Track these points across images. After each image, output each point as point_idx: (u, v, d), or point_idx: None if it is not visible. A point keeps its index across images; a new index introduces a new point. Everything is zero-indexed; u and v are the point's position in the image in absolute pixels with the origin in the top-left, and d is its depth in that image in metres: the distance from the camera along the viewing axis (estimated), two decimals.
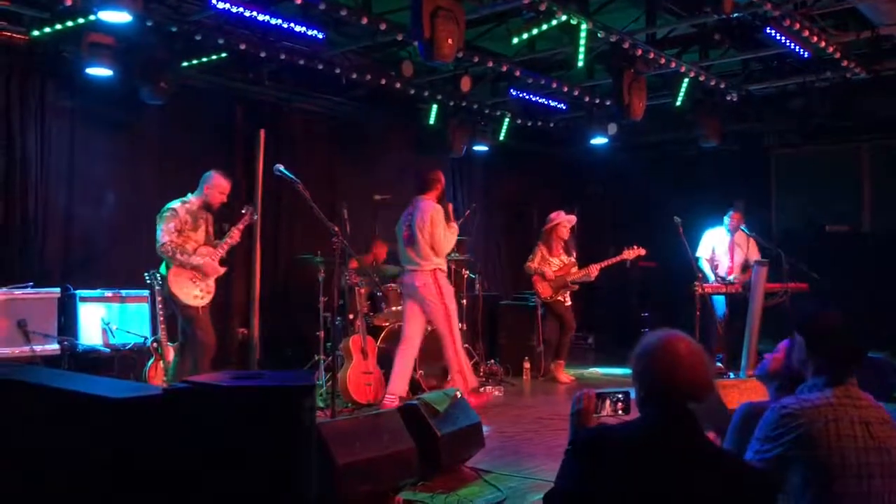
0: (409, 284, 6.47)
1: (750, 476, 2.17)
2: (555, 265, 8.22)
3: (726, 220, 8.38)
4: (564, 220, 8.23)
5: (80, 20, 5.87)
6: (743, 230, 8.24)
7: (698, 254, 8.31)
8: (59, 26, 6.01)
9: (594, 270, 8.17)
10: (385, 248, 7.98)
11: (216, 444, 2.66)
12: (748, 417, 2.68)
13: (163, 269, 5.91)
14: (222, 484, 2.69)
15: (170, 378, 5.99)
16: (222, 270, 6.08)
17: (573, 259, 8.35)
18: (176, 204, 5.94)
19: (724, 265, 8.35)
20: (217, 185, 6.05)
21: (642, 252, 8.07)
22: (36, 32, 6.15)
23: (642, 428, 2.20)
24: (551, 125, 10.07)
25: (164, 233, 5.79)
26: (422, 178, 6.55)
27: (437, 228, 6.30)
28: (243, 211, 6.19)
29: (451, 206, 6.59)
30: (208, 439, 2.63)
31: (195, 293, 5.87)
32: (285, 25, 6.15)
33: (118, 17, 5.36)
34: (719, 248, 8.44)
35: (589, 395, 2.60)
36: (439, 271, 6.39)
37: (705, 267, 8.31)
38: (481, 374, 8.19)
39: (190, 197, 6.04)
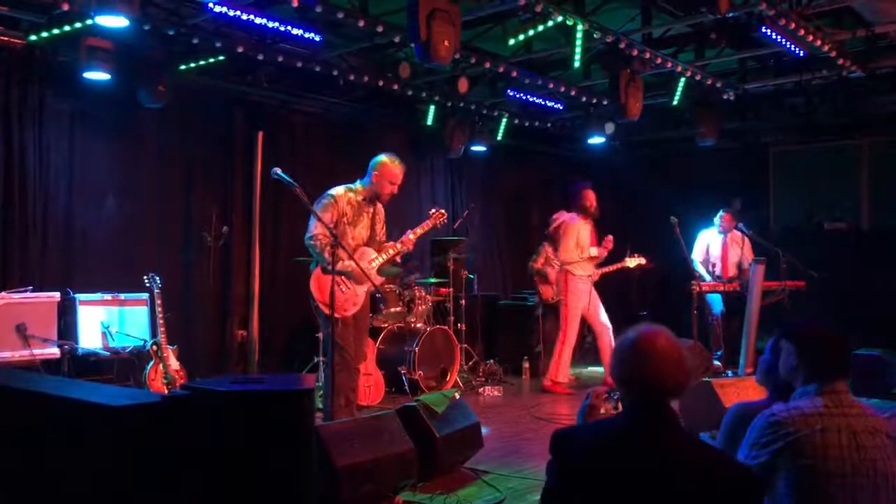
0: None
1: (730, 470, 2.11)
2: (557, 266, 8.21)
3: (717, 221, 8.39)
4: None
5: (78, 24, 5.86)
6: (740, 229, 8.22)
7: (692, 256, 8.31)
8: (56, 31, 6.00)
9: (595, 275, 8.16)
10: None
11: (216, 450, 2.68)
12: (740, 418, 2.68)
13: (312, 264, 5.09)
14: (223, 489, 2.70)
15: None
16: (378, 281, 5.03)
17: None
18: (339, 191, 5.02)
19: (718, 266, 8.36)
20: (387, 173, 5.05)
21: (643, 261, 8.04)
22: (33, 37, 6.15)
23: (614, 424, 2.21)
24: (549, 125, 10.07)
25: (318, 224, 4.89)
26: (569, 195, 7.87)
27: (566, 239, 7.61)
28: (431, 211, 5.39)
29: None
30: (208, 445, 2.65)
31: (338, 301, 4.83)
32: (282, 28, 6.16)
33: (115, 21, 5.35)
34: (713, 249, 8.45)
35: (598, 392, 2.64)
36: (570, 274, 7.57)
37: (700, 269, 8.32)
38: (480, 373, 8.22)
39: (357, 184, 5.12)
